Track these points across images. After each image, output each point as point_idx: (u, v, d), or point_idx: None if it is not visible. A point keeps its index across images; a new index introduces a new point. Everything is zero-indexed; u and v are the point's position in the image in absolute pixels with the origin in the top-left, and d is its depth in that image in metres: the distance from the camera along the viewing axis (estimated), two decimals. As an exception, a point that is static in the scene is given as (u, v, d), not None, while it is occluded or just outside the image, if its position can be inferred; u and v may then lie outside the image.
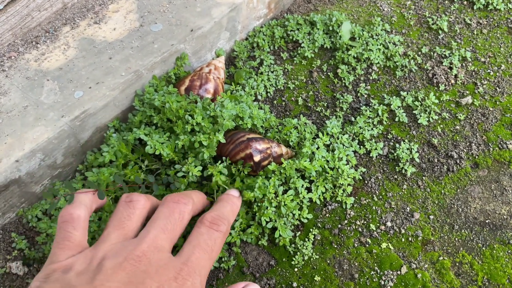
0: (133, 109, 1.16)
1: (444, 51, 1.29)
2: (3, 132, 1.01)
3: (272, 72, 1.29)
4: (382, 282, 0.92)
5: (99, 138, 1.12)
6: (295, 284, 0.93)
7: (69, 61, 1.16)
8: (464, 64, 1.27)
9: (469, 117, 1.17)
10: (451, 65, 1.26)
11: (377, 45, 1.29)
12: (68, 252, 0.59)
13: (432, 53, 1.30)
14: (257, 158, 1.00)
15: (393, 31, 1.36)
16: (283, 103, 1.25)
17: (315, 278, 0.94)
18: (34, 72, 1.13)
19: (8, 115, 1.05)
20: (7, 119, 1.04)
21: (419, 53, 1.30)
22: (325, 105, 1.22)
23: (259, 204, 0.99)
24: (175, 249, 0.92)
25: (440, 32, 1.35)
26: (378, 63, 1.28)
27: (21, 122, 1.03)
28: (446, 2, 1.42)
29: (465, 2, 1.41)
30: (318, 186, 1.04)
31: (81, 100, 1.07)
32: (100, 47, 1.19)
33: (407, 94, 1.21)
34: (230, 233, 0.97)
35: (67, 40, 1.21)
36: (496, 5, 1.38)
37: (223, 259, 0.98)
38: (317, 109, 1.22)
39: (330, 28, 1.33)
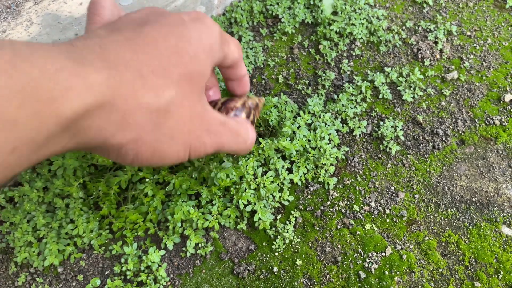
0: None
1: (429, 25, 1.25)
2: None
3: (251, 49, 1.24)
4: (366, 265, 0.89)
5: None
6: (275, 269, 0.89)
7: (32, 38, 1.08)
8: (449, 39, 1.23)
9: (454, 92, 1.13)
10: (436, 40, 1.22)
11: (360, 19, 1.24)
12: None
13: (416, 28, 1.25)
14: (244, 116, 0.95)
15: (377, 5, 1.31)
16: (263, 81, 1.19)
17: (297, 262, 0.90)
18: (-7, 51, 1.05)
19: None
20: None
21: (404, 27, 1.26)
22: (307, 82, 1.17)
23: (236, 186, 0.94)
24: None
25: (425, 5, 1.30)
26: (361, 38, 1.23)
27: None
28: (431, -26, 1.37)
29: (450, -26, 1.37)
30: (299, 166, 1.00)
31: (44, 80, 1.00)
32: (66, 23, 1.11)
33: (391, 70, 1.16)
34: (207, 218, 0.93)
35: (30, 16, 1.13)
36: (482, -23, 1.34)
37: (199, 245, 0.93)
38: (298, 87, 1.17)
39: (311, 2, 1.28)
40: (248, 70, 1.21)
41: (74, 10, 1.14)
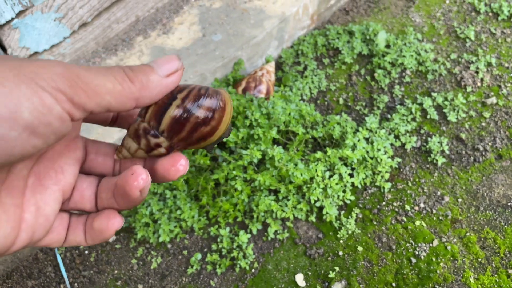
0: (198, 106, 1.39)
1: (471, 57, 1.47)
2: (92, 125, 1.25)
3: (315, 75, 1.51)
4: (416, 253, 1.11)
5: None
6: (341, 253, 1.13)
7: (144, 66, 1.40)
8: (489, 69, 1.45)
9: (493, 115, 1.34)
10: (477, 70, 1.45)
11: (410, 52, 1.49)
12: None
13: (460, 59, 1.48)
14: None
15: (424, 39, 1.55)
16: (326, 102, 1.45)
17: (358, 248, 1.13)
18: (116, 75, 1.37)
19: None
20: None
21: (448, 59, 1.49)
22: (364, 104, 1.42)
23: (308, 185, 1.19)
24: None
25: (467, 40, 1.53)
26: (411, 67, 1.47)
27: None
28: (473, 13, 1.60)
29: (490, 14, 1.60)
30: (359, 172, 1.24)
31: (156, 98, 1.30)
32: (169, 54, 1.42)
33: (438, 94, 1.39)
34: (284, 210, 1.18)
35: (141, 48, 1.45)
36: (520, 15, 1.56)
37: (278, 232, 1.18)
38: (356, 108, 1.42)
39: (367, 37, 1.54)
40: (313, 93, 1.47)
41: (175, 43, 1.45)
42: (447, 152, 1.29)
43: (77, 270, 1.14)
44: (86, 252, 1.17)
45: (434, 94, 1.40)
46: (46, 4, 1.25)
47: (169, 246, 1.18)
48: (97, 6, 1.36)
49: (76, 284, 1.12)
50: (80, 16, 1.34)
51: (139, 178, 0.33)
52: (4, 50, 1.25)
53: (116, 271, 1.14)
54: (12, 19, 1.21)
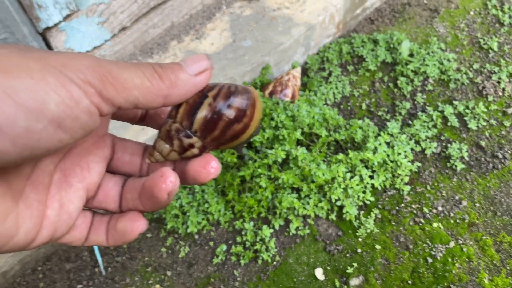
0: (227, 107, 1.47)
1: (494, 68, 1.51)
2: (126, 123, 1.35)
3: (339, 81, 1.57)
4: (433, 253, 1.15)
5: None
6: (359, 250, 1.18)
7: (178, 68, 1.49)
8: (511, 80, 1.49)
9: (514, 124, 1.38)
10: (499, 80, 1.48)
11: (433, 61, 1.54)
12: None
13: (482, 69, 1.52)
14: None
15: (448, 49, 1.60)
16: (349, 107, 1.51)
17: (376, 247, 1.18)
18: (151, 76, 1.47)
19: (134, 108, 1.39)
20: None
21: (471, 68, 1.53)
22: (386, 110, 1.48)
23: (329, 185, 1.25)
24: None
25: (490, 51, 1.57)
26: (434, 76, 1.52)
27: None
28: (497, 25, 1.64)
29: (515, 25, 1.63)
30: (379, 175, 1.29)
31: (188, 99, 1.39)
32: (201, 58, 1.52)
33: (459, 103, 1.44)
34: (306, 208, 1.24)
35: (175, 52, 1.55)
36: (544, 28, 1.59)
37: (299, 228, 1.24)
38: (378, 113, 1.47)
39: (391, 45, 1.60)
40: (336, 98, 1.54)
41: (207, 48, 1.55)
42: (467, 158, 1.33)
43: (111, 255, 1.23)
44: (120, 239, 1.26)
45: (455, 102, 1.44)
46: (91, 9, 1.36)
47: (196, 237, 1.26)
48: (136, 11, 1.46)
49: (109, 269, 1.21)
50: (121, 21, 1.45)
51: (168, 181, 0.32)
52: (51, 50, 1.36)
53: (146, 258, 1.22)
54: (60, 22, 1.33)
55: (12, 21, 1.19)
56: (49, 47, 1.36)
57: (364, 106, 1.51)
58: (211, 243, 1.25)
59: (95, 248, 1.24)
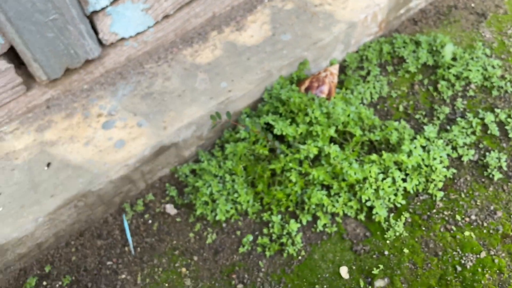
0: (262, 100, 1.49)
1: (541, 77, 1.46)
2: (167, 108, 1.39)
3: (377, 81, 1.56)
4: (462, 261, 1.14)
5: (234, 119, 1.46)
6: (386, 252, 1.18)
7: (216, 59, 1.52)
8: (560, 90, 1.43)
9: (559, 136, 1.33)
10: (547, 90, 1.43)
11: (477, 66, 1.50)
12: None
13: (529, 78, 1.47)
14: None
15: (493, 55, 1.55)
16: (385, 108, 1.50)
17: (404, 250, 1.17)
18: (190, 65, 1.51)
19: (171, 95, 1.42)
20: (170, 98, 1.41)
21: (517, 76, 1.49)
22: (424, 113, 1.45)
23: (361, 185, 1.25)
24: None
25: (539, 59, 1.52)
26: (476, 82, 1.49)
27: (181, 101, 1.40)
28: (549, 32, 1.59)
29: None
30: (412, 178, 1.28)
31: (225, 90, 1.42)
32: (240, 50, 1.54)
33: (501, 111, 1.40)
34: (334, 206, 1.24)
35: (215, 42, 1.58)
36: None
37: (326, 225, 1.25)
38: (415, 117, 1.45)
39: (434, 48, 1.57)
40: (373, 98, 1.52)
41: (247, 40, 1.56)
42: (505, 168, 1.29)
43: (141, 236, 1.27)
44: (150, 221, 1.30)
45: (497, 110, 1.41)
46: (137, -4, 1.40)
47: (224, 225, 1.29)
48: (180, 0, 1.49)
49: (138, 248, 1.25)
50: (164, 8, 1.48)
51: None
52: (96, 33, 1.41)
53: (174, 242, 1.26)
54: (107, 6, 1.37)
55: (63, 3, 1.24)
56: (95, 30, 1.41)
57: (401, 108, 1.49)
58: (238, 233, 1.27)
59: (126, 227, 1.28)
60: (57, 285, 1.20)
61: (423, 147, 1.35)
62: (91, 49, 1.39)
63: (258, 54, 1.51)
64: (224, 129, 1.46)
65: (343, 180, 1.26)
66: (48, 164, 1.28)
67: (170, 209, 1.32)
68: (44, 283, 1.20)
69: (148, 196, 1.34)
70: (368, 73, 1.59)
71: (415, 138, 1.38)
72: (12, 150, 1.32)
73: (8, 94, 1.34)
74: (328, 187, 1.30)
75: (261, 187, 1.30)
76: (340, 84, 1.58)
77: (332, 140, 1.39)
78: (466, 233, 1.19)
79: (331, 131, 1.31)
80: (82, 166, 1.27)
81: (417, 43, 1.62)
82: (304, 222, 1.26)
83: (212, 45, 1.58)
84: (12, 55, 1.35)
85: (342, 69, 1.62)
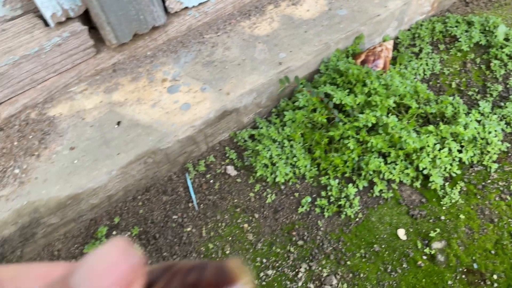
0: (318, 72, 1.53)
1: None
2: (229, 75, 1.44)
3: (430, 58, 1.59)
4: (518, 228, 1.18)
5: (289, 91, 1.51)
6: (442, 217, 1.22)
7: (274, 31, 1.57)
8: None
9: None
10: None
11: (531, 46, 1.52)
12: None
13: None
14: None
15: (547, 36, 1.57)
16: (438, 84, 1.53)
17: (460, 216, 1.22)
18: (248, 36, 1.56)
19: (232, 64, 1.48)
20: (231, 66, 1.47)
21: None
22: (476, 90, 1.49)
23: (418, 154, 1.29)
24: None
25: None
26: (530, 61, 1.51)
27: (241, 70, 1.45)
28: None
29: None
30: (468, 150, 1.32)
31: (284, 60, 1.47)
32: (297, 23, 1.58)
33: (556, 89, 1.43)
34: (391, 172, 1.29)
35: (272, 15, 1.63)
36: None
37: (383, 191, 1.30)
38: (468, 93, 1.49)
39: (486, 28, 1.59)
40: (426, 74, 1.56)
41: (303, 14, 1.61)
42: (560, 144, 1.32)
43: (203, 194, 1.34)
44: (212, 181, 1.36)
45: (552, 89, 1.43)
46: (203, -34, 1.46)
47: (282, 187, 1.34)
48: (241, -27, 1.54)
49: (202, 205, 1.31)
50: (227, -20, 1.53)
51: None
52: (163, 1, 1.47)
53: (235, 200, 1.32)
54: (174, -24, 1.43)
55: (138, -31, 1.31)
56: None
57: (453, 85, 1.52)
58: (296, 194, 1.32)
59: (189, 185, 1.35)
60: (127, 235, 1.27)
61: (478, 121, 1.38)
62: (158, 16, 1.46)
63: (315, 27, 1.56)
64: (280, 98, 1.52)
65: (400, 148, 1.31)
66: (118, 123, 1.35)
67: (231, 170, 1.38)
68: (114, 232, 1.28)
69: (209, 157, 1.40)
70: (420, 50, 1.63)
71: (469, 112, 1.42)
72: (83, 108, 1.39)
73: (80, 56, 1.42)
74: (384, 156, 1.35)
75: (319, 153, 1.36)
76: (393, 60, 1.62)
77: (388, 112, 1.43)
78: (521, 203, 1.23)
79: (390, 101, 1.35)
80: (151, 125, 1.33)
81: (469, 23, 1.64)
82: (361, 187, 1.31)
83: (269, 18, 1.63)
84: (85, 18, 1.42)
85: (395, 46, 1.66)
